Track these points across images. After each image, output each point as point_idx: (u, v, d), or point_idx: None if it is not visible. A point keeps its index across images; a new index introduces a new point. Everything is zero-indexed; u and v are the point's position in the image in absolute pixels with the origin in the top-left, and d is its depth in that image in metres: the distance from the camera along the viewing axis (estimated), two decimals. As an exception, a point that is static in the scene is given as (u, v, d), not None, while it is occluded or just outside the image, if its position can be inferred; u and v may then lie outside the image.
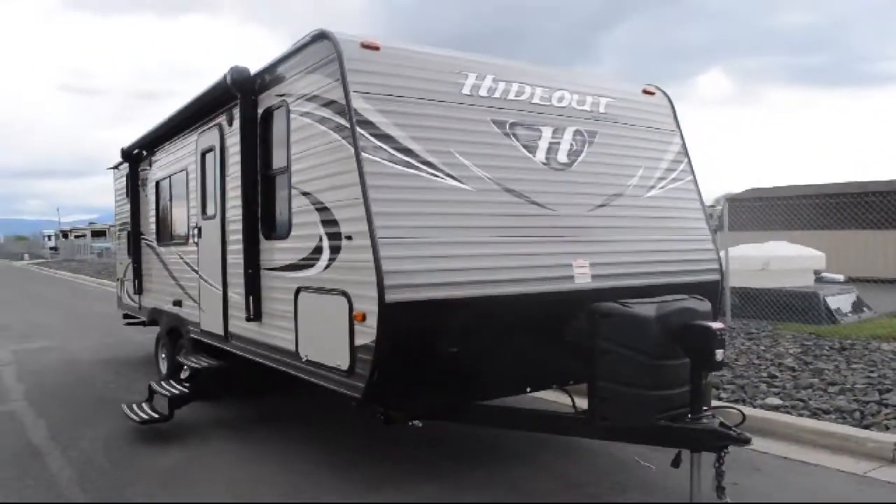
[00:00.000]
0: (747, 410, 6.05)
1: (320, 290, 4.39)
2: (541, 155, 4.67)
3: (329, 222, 4.28)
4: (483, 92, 4.59)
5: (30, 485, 4.78)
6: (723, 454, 3.76)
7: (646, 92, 5.61)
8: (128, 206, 9.08)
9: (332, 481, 4.73)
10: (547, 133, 4.76)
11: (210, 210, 6.28)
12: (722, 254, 10.67)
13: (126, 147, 8.73)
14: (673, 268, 5.01)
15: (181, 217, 7.20)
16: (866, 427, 5.50)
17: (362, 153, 3.94)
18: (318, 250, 4.42)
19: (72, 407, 6.93)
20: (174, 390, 5.94)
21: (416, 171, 4.10)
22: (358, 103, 4.04)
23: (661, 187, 5.27)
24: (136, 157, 8.76)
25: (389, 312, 3.74)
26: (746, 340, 9.08)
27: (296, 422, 6.20)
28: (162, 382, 6.26)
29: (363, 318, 3.90)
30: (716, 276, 5.33)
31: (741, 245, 11.76)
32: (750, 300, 11.07)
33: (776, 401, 6.32)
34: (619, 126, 5.20)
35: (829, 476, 4.81)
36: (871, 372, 7.11)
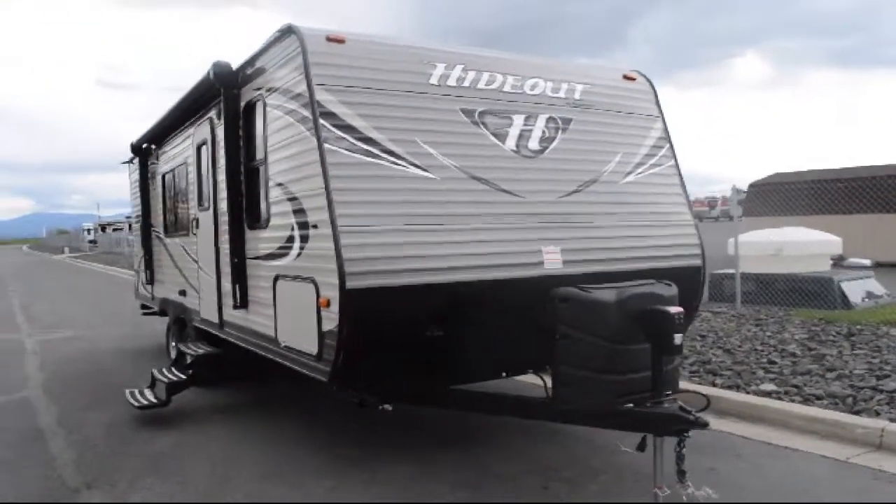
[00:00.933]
0: (739, 397, 6.05)
1: (294, 278, 4.52)
2: (511, 142, 4.70)
3: (299, 212, 4.40)
4: (452, 81, 4.63)
5: (29, 466, 5.02)
6: (683, 438, 3.78)
7: (627, 77, 5.59)
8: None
9: (312, 460, 4.89)
10: (518, 121, 4.78)
11: (205, 202, 6.46)
12: (732, 239, 10.59)
13: (135, 141, 8.99)
14: (649, 253, 5.00)
15: (183, 209, 7.41)
16: (856, 413, 5.43)
17: (325, 144, 4.04)
18: (290, 239, 4.54)
19: (84, 394, 7.19)
20: (172, 377, 6.15)
21: (378, 161, 4.18)
22: (321, 95, 4.14)
23: (640, 173, 5.25)
24: (146, 151, 9.01)
25: (350, 299, 3.85)
26: (753, 326, 8.97)
27: (284, 406, 6.39)
28: (163, 369, 6.47)
29: (328, 304, 4.00)
30: (696, 262, 5.30)
31: (754, 231, 11.57)
32: (766, 286, 10.91)
33: (771, 386, 6.26)
34: (595, 112, 5.20)
35: (810, 462, 4.78)
36: (874, 358, 6.99)
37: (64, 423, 6.11)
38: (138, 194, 9.45)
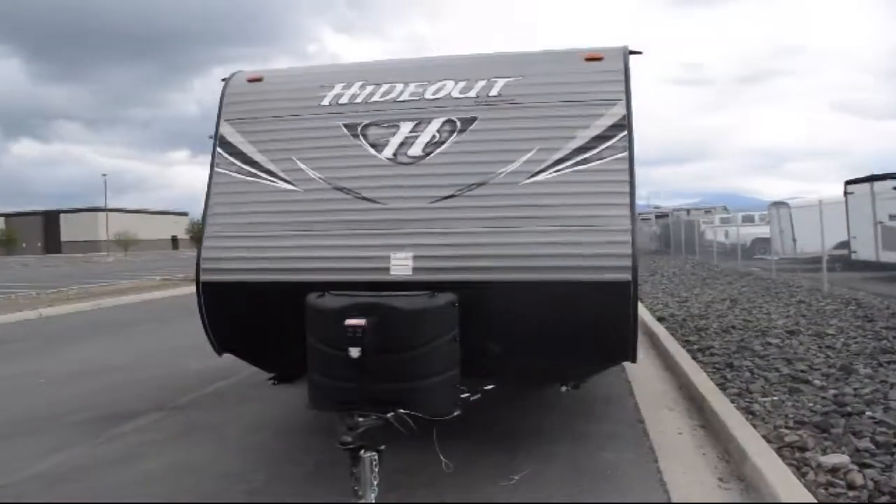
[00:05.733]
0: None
1: None
2: (388, 151, 4.85)
3: None
4: (344, 100, 5.08)
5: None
6: (356, 458, 3.65)
7: (591, 59, 4.92)
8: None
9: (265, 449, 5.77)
10: (405, 128, 4.89)
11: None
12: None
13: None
14: (537, 263, 4.40)
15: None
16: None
17: (215, 168, 5.08)
18: None
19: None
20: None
21: (257, 179, 4.98)
22: (223, 129, 5.16)
23: (558, 171, 4.63)
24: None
25: (203, 291, 4.82)
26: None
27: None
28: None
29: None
30: (619, 276, 4.29)
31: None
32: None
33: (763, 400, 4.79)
34: (510, 108, 4.83)
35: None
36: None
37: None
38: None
